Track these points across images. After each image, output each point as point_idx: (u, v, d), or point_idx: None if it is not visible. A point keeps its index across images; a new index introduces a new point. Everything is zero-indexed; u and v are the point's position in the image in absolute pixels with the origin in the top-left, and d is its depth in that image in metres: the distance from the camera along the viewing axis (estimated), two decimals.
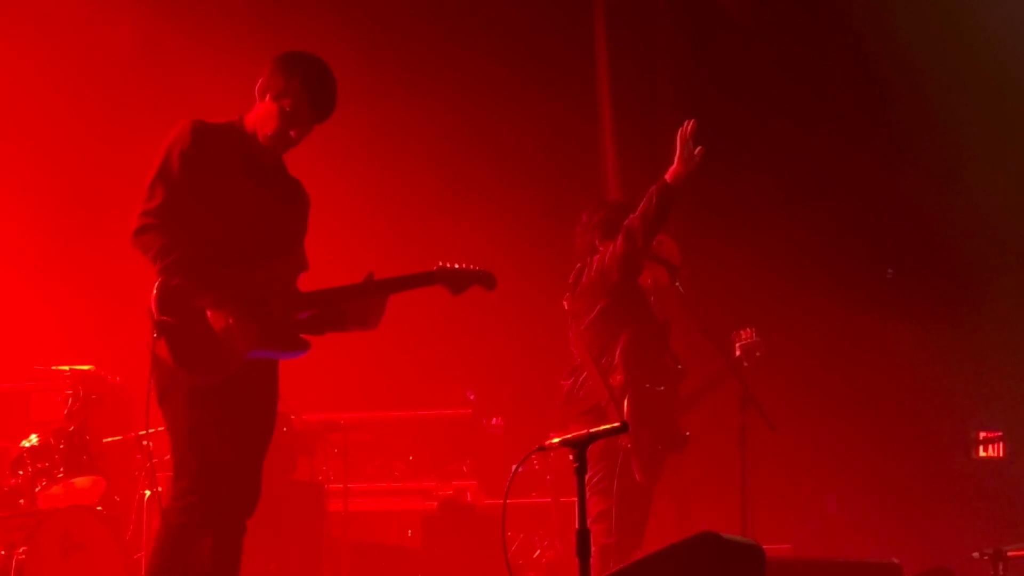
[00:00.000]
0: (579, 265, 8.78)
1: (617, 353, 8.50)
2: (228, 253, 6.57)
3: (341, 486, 10.66)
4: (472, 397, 12.55)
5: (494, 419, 12.32)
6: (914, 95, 12.12)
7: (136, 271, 9.17)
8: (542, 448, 5.54)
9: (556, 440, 5.48)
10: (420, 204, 12.59)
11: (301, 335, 6.70)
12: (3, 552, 8.55)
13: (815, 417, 11.77)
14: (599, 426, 5.47)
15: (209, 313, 6.44)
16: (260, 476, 6.71)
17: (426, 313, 12.39)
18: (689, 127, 8.32)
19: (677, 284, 8.78)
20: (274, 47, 6.88)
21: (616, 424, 5.46)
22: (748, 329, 9.09)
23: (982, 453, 10.58)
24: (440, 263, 7.00)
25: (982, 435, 10.59)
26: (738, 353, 9.05)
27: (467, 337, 12.73)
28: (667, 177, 8.38)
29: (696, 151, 8.30)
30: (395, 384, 12.58)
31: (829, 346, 11.85)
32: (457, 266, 7.00)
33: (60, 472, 9.30)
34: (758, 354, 9.04)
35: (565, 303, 8.86)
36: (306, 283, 6.80)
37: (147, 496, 9.87)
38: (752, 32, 12.66)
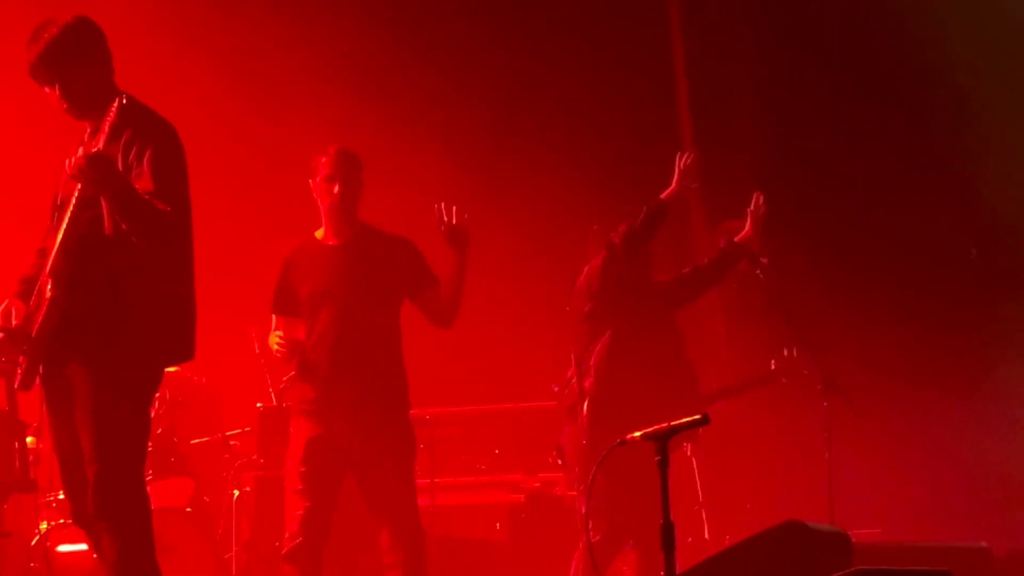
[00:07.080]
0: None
1: (592, 357, 8.76)
2: None
3: (428, 481, 10.69)
4: (556, 390, 12.52)
5: None
6: (1001, 75, 11.99)
7: (218, 273, 9.25)
8: (623, 442, 5.56)
9: (638, 434, 5.50)
10: (493, 185, 12.56)
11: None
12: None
13: (902, 401, 11.68)
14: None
15: None
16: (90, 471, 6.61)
17: (508, 306, 12.42)
18: (688, 159, 8.74)
19: (758, 272, 8.80)
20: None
21: (697, 416, 5.47)
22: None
23: None
24: None
25: None
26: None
27: (550, 330, 12.70)
28: (663, 196, 8.76)
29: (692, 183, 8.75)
30: (480, 378, 12.59)
31: (915, 329, 11.75)
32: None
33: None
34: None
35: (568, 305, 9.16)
36: None
37: (236, 496, 9.96)
38: (826, 14, 12.57)
